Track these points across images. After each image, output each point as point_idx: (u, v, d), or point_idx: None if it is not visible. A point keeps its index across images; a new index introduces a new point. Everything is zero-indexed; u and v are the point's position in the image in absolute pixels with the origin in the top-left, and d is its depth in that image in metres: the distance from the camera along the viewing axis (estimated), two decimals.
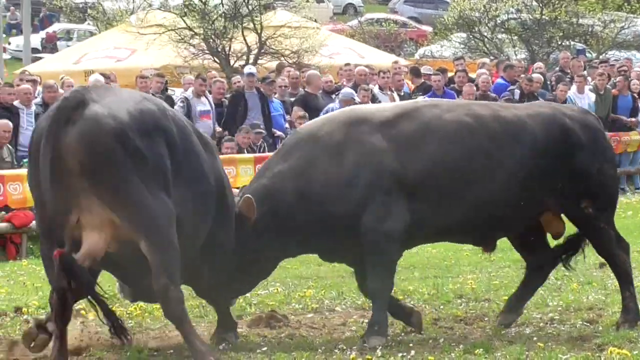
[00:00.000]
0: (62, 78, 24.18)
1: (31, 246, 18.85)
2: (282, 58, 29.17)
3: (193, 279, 9.81)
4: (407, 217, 9.82)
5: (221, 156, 14.76)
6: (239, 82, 23.96)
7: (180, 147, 9.03)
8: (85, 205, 8.33)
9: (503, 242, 11.26)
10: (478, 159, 10.03)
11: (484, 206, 10.07)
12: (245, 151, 21.24)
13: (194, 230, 9.12)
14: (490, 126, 10.13)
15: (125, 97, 9.07)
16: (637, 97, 27.53)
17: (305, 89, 23.48)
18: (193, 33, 30.29)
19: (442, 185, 9.96)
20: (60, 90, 21.54)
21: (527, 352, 9.50)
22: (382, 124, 10.02)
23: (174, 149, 8.92)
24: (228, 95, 23.44)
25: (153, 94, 21.64)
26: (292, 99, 23.23)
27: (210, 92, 22.76)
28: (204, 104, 21.99)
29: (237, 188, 14.50)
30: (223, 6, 30.38)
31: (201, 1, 30.72)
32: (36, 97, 21.01)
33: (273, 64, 28.52)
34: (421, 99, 12.94)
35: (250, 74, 23.22)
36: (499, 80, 26.41)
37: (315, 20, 36.03)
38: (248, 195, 9.59)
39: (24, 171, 17.41)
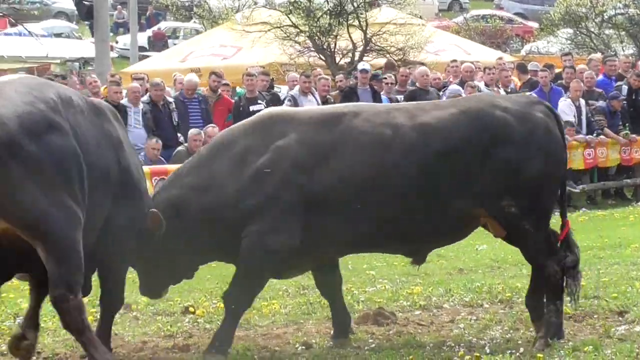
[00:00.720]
0: (174, 75, 24.77)
1: None
2: (388, 55, 29.05)
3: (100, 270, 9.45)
4: (299, 235, 9.35)
5: None
6: (341, 80, 24.01)
7: (81, 138, 8.55)
8: None
9: (611, 239, 11.28)
10: (387, 171, 9.51)
11: (391, 218, 9.56)
12: None
13: (94, 220, 8.69)
14: (406, 137, 9.59)
15: (10, 96, 8.35)
16: None
17: (416, 85, 23.33)
18: (298, 30, 30.03)
19: (350, 198, 9.46)
20: (168, 89, 22.28)
21: (637, 350, 9.38)
22: (298, 130, 9.61)
23: (65, 140, 8.37)
24: (334, 92, 23.32)
25: (259, 91, 22.50)
26: (399, 96, 22.90)
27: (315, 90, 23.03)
28: (310, 102, 22.03)
29: None
30: (328, 3, 30.38)
31: None
32: (143, 96, 21.37)
33: (378, 61, 28.44)
34: (350, 104, 11.43)
35: (364, 70, 23.49)
36: (602, 77, 25.98)
37: (421, 17, 35.69)
38: (154, 210, 9.17)
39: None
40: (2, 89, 8.47)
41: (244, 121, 10.39)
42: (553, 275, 9.62)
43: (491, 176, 9.60)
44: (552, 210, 10.08)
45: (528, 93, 22.17)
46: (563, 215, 9.98)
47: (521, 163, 9.67)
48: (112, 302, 9.68)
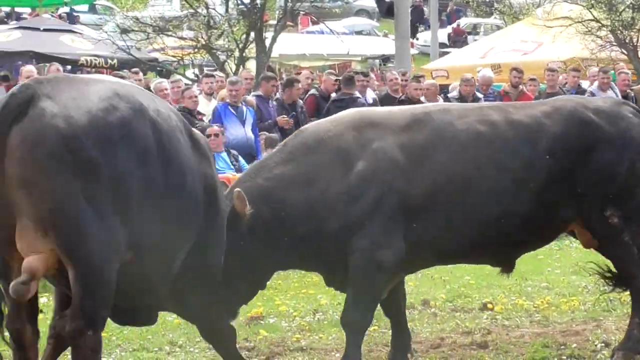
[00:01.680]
0: (478, 70, 24.43)
1: None
2: None
3: (183, 309, 8.81)
4: (404, 244, 8.99)
5: None
6: None
7: (157, 156, 7.57)
8: (18, 222, 7.01)
9: None
10: (489, 170, 9.22)
11: (494, 222, 9.22)
12: None
13: (168, 252, 7.85)
14: (503, 133, 9.35)
15: (91, 92, 7.43)
16: None
17: None
18: (600, 25, 29.28)
19: (450, 202, 9.17)
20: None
21: None
22: (393, 131, 9.24)
23: (147, 159, 7.49)
24: (636, 86, 22.80)
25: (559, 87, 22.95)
26: None
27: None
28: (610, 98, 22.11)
29: None
30: None
31: None
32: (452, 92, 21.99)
33: None
34: (431, 104, 11.66)
35: None
36: None
37: None
38: (239, 189, 8.65)
39: None
40: (86, 85, 7.61)
41: (333, 117, 9.89)
42: None
43: (592, 180, 9.32)
44: None
45: None
46: None
47: (622, 165, 9.38)
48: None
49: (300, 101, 19.38)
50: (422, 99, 21.01)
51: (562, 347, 10.54)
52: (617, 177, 9.36)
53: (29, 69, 19.32)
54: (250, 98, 18.83)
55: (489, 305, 12.60)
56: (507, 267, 9.84)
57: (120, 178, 7.16)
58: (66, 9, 46.06)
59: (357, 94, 20.22)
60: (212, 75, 21.95)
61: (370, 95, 21.44)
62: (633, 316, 9.49)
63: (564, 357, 10.28)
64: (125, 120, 7.28)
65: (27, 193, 6.89)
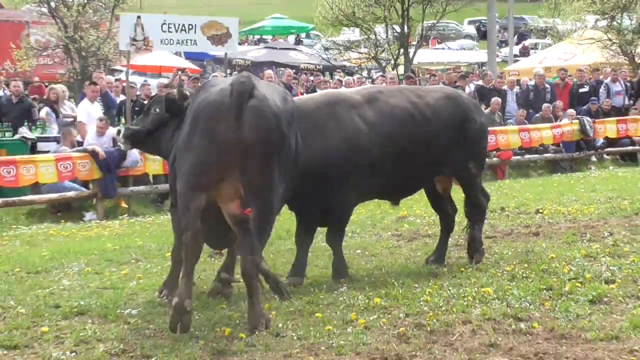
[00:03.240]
0: (536, 70, 25.18)
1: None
2: None
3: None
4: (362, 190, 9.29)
5: None
6: None
7: (296, 138, 8.08)
8: (233, 174, 7.41)
9: None
10: (416, 140, 9.45)
11: (411, 175, 9.60)
12: None
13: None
14: (423, 112, 9.59)
15: (272, 88, 8.06)
16: None
17: None
18: (612, 42, 30.30)
19: (389, 160, 9.32)
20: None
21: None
22: (354, 106, 9.28)
23: (296, 139, 8.04)
24: None
25: None
26: None
27: None
28: None
29: None
30: None
31: None
32: None
33: None
34: (371, 87, 11.83)
35: None
36: None
37: None
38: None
39: None
40: (264, 83, 8.12)
41: (312, 96, 10.12)
42: (483, 210, 10.44)
43: (463, 145, 10.02)
44: None
45: None
46: None
47: (478, 135, 10.22)
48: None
49: None
50: (505, 87, 23.44)
51: (583, 235, 11.25)
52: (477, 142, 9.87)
53: (269, 72, 22.16)
54: None
55: (540, 210, 13.44)
56: (395, 202, 10.32)
57: (290, 149, 7.72)
58: (293, 36, 50.26)
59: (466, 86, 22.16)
60: (382, 76, 24.21)
61: (472, 86, 23.05)
62: (470, 225, 10.13)
63: (585, 240, 10.97)
64: (293, 109, 8.01)
65: (249, 154, 7.28)
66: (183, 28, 21.54)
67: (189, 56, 33.28)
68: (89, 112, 17.74)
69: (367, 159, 9.08)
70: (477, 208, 10.06)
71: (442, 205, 10.31)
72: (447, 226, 10.26)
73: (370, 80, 26.43)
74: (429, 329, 7.45)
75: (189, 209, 7.34)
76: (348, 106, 9.18)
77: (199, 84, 14.58)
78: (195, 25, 21.53)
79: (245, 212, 7.31)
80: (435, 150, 9.55)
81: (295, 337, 7.31)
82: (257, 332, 7.24)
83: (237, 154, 7.20)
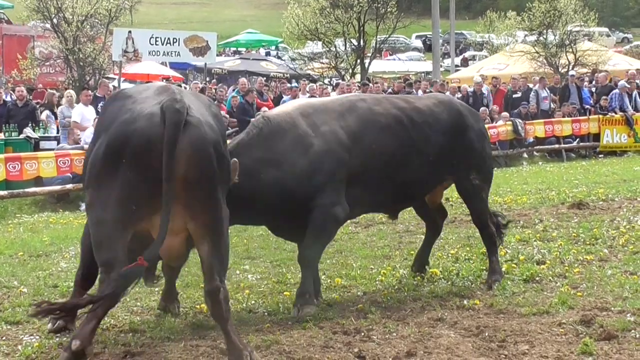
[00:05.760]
0: (475, 78, 24.95)
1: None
2: None
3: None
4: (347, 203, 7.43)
5: None
6: None
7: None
8: (173, 208, 5.58)
9: None
10: (406, 146, 7.72)
11: (404, 185, 7.81)
12: None
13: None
14: (412, 117, 7.85)
15: (201, 104, 6.22)
16: None
17: None
18: (539, 54, 30.26)
19: (375, 170, 7.60)
20: None
21: None
22: (332, 117, 7.59)
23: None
24: None
25: None
26: None
27: None
28: None
29: None
30: None
31: None
32: None
33: None
34: (351, 95, 9.45)
35: None
36: None
37: None
38: (235, 159, 6.46)
39: None
40: (193, 96, 6.43)
41: (286, 108, 7.91)
42: (493, 234, 8.51)
43: (463, 155, 8.23)
44: None
45: None
46: None
47: (479, 145, 8.39)
48: None
49: None
50: (447, 93, 22.44)
51: (517, 222, 11.16)
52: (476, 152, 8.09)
53: (243, 80, 22.06)
54: None
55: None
56: (394, 215, 8.54)
57: (228, 165, 6.11)
58: (264, 48, 50.19)
59: (414, 91, 22.45)
60: (339, 84, 24.30)
61: (420, 92, 22.53)
62: (489, 256, 8.33)
63: (518, 227, 10.82)
64: (223, 123, 6.42)
65: (189, 186, 5.68)
66: (168, 41, 21.56)
67: (174, 66, 33.06)
68: (83, 114, 17.80)
69: (350, 170, 7.42)
70: (483, 229, 8.32)
71: (429, 212, 8.70)
72: (431, 233, 8.75)
73: (331, 87, 26.50)
74: (383, 305, 7.45)
75: (112, 241, 5.66)
76: (327, 116, 7.56)
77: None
78: (179, 39, 21.51)
79: (139, 261, 5.57)
80: (429, 159, 7.86)
81: (265, 314, 7.30)
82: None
83: (176, 189, 5.60)
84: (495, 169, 19.07)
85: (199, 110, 5.86)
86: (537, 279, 8.13)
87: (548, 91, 24.53)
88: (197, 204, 5.65)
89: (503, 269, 8.40)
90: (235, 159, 6.34)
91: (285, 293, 7.63)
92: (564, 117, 23.63)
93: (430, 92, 22.81)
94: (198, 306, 7.39)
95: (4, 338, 6.62)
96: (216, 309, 5.77)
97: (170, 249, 5.93)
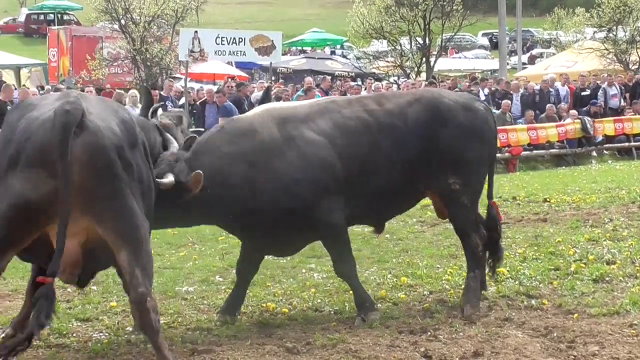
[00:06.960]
0: (543, 77, 25.18)
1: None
2: None
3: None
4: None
5: None
6: None
7: (144, 152, 5.94)
8: (72, 214, 5.17)
9: None
10: (373, 152, 7.01)
11: (378, 195, 7.04)
12: None
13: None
14: (379, 120, 7.10)
15: (106, 108, 5.78)
16: None
17: None
18: (608, 51, 30.03)
19: (353, 176, 6.92)
20: None
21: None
22: (303, 121, 6.99)
23: (144, 154, 5.91)
24: None
25: None
26: None
27: None
28: None
29: None
30: None
31: None
32: None
33: None
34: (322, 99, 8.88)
35: None
36: None
37: None
38: (200, 171, 6.30)
39: None
40: (96, 100, 6.05)
41: (256, 111, 7.28)
42: (476, 246, 7.43)
43: (439, 153, 7.26)
44: None
45: None
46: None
47: (463, 144, 7.39)
48: None
49: None
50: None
51: (586, 221, 11.04)
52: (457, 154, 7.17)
53: (309, 79, 22.40)
54: None
55: (547, 199, 13.18)
56: (379, 229, 7.66)
57: (140, 171, 5.69)
58: (329, 47, 50.41)
59: (480, 89, 22.53)
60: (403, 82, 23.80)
61: (486, 90, 23.31)
62: (468, 270, 7.34)
63: (587, 226, 10.69)
64: (133, 127, 5.85)
65: (87, 192, 5.31)
66: (234, 41, 21.74)
67: (239, 65, 33.47)
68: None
69: (332, 178, 6.85)
70: (463, 238, 7.39)
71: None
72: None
73: (397, 86, 26.37)
74: (450, 304, 7.38)
75: None
76: (298, 122, 6.93)
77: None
78: (244, 38, 21.66)
79: (43, 281, 5.23)
80: (401, 166, 7.10)
81: (332, 312, 7.29)
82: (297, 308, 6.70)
83: (74, 196, 5.19)
84: (564, 167, 19.89)
85: (100, 115, 5.49)
86: (607, 279, 8.00)
87: (617, 89, 24.37)
88: (104, 212, 5.32)
89: (572, 269, 8.31)
90: (199, 171, 6.18)
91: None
92: (634, 114, 23.27)
93: (497, 90, 23.19)
94: (264, 305, 7.47)
95: (74, 335, 6.70)
96: (144, 318, 5.40)
97: (70, 255, 5.48)
